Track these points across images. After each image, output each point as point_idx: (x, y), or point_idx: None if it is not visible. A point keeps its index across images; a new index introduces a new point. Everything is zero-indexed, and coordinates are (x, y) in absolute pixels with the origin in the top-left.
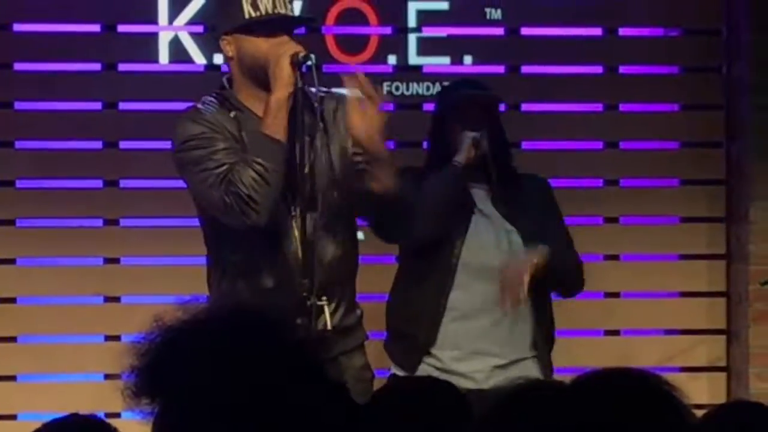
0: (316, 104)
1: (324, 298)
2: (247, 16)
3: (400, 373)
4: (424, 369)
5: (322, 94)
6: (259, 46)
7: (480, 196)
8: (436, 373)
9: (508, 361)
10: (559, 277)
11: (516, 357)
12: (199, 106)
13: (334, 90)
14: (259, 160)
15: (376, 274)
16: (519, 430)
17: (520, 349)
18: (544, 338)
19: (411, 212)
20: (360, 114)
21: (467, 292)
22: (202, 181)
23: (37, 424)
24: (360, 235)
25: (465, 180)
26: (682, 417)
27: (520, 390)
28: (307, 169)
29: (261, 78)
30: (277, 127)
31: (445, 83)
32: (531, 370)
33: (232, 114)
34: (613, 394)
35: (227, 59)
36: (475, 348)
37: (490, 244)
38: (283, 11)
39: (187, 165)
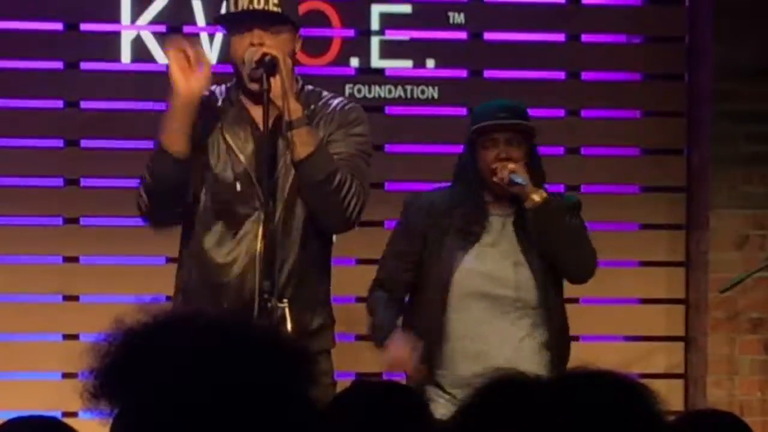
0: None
1: (285, 300)
2: (223, 11)
3: None
4: (431, 391)
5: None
6: (232, 44)
7: (497, 224)
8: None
9: None
10: (554, 236)
11: None
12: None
13: (310, 88)
14: (150, 165)
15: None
16: (493, 422)
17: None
18: (554, 357)
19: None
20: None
21: (462, 316)
22: None
23: None
24: None
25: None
26: (657, 419)
27: (495, 384)
28: (279, 169)
29: (240, 76)
30: (169, 136)
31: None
32: None
33: (219, 103)
34: (590, 392)
35: None
36: (476, 372)
37: (486, 273)
38: (260, 7)
39: None
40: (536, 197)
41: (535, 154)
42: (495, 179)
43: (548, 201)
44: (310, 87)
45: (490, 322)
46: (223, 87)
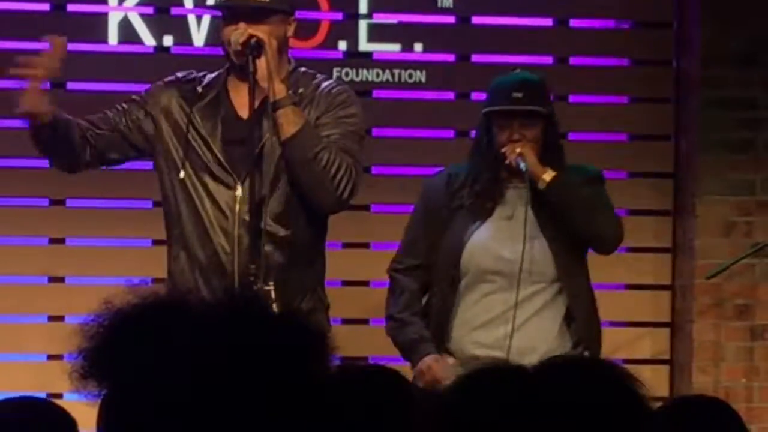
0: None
1: (271, 282)
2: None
3: None
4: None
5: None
6: (222, 29)
7: (514, 197)
8: None
9: None
10: (569, 210)
11: None
12: (179, 74)
13: (303, 70)
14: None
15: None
16: (479, 410)
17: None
18: (578, 334)
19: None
20: None
21: (472, 291)
22: None
23: None
24: None
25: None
26: (640, 405)
27: (479, 372)
28: (257, 149)
29: (229, 57)
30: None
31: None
32: None
33: (200, 89)
34: (574, 379)
35: None
36: (493, 358)
37: (498, 249)
38: None
39: None
40: (546, 177)
41: (552, 131)
42: (506, 161)
43: (557, 179)
44: (303, 69)
45: (500, 295)
46: (212, 75)
